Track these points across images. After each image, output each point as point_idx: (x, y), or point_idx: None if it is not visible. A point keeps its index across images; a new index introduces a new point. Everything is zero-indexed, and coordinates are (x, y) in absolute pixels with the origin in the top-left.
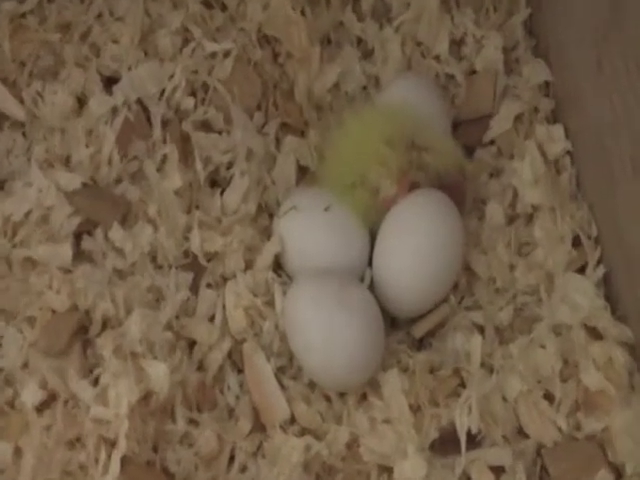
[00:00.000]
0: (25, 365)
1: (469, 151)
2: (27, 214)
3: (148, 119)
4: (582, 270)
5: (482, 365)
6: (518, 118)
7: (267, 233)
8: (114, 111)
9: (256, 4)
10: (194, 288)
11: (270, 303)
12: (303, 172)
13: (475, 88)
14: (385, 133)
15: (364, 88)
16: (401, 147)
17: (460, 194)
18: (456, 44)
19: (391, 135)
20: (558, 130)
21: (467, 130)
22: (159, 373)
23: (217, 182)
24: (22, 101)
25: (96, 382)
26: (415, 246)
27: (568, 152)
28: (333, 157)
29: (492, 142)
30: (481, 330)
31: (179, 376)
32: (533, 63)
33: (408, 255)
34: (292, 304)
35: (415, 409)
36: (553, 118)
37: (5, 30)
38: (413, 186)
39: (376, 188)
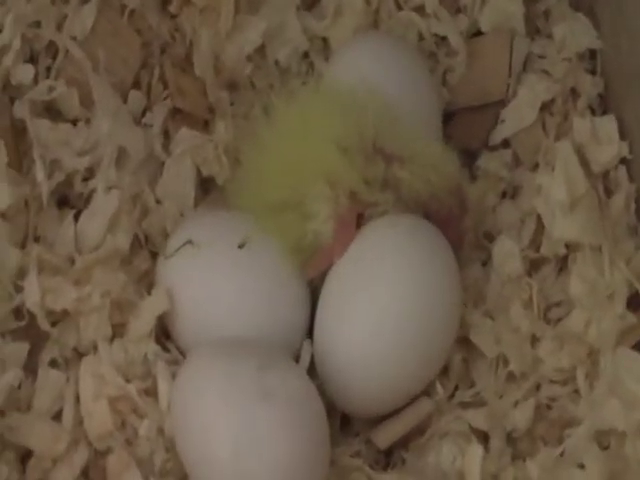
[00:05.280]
0: None
1: (469, 158)
2: None
3: None
4: None
5: None
6: (546, 106)
7: (147, 282)
8: None
9: None
10: (30, 367)
11: (150, 392)
12: (206, 186)
13: (480, 59)
14: (336, 130)
15: (305, 56)
16: (360, 154)
17: (454, 228)
18: None
19: (345, 134)
20: (609, 125)
21: (466, 125)
22: None
23: (69, 200)
24: None
25: None
26: (381, 305)
27: (624, 160)
28: (254, 164)
29: (505, 144)
30: (484, 438)
31: None
32: (571, 20)
33: (369, 319)
34: (186, 395)
35: None
36: (601, 107)
37: None
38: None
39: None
